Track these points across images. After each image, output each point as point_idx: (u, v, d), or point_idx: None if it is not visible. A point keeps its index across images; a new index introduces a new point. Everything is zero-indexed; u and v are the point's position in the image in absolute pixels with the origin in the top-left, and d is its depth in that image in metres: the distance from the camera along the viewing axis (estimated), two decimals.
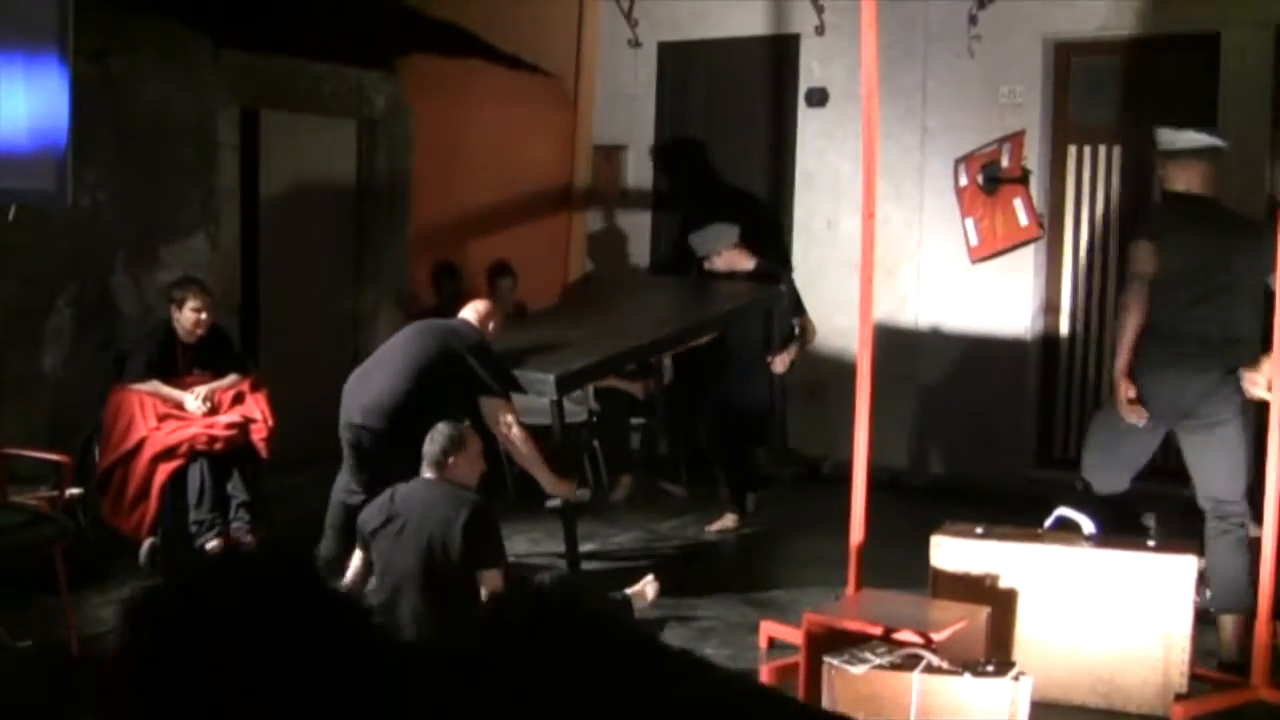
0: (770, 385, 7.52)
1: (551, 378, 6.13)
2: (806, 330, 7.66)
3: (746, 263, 7.58)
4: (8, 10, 5.99)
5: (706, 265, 7.60)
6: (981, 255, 8.60)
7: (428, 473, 5.19)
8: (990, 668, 4.16)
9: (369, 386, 6.05)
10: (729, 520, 7.52)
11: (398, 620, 5.05)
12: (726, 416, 7.47)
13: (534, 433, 8.17)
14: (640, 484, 8.22)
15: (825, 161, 9.13)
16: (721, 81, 9.70)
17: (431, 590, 4.98)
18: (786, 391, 7.88)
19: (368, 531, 5.21)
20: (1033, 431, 8.59)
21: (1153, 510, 7.02)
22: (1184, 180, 5.41)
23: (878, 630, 4.42)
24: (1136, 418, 5.31)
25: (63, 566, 5.17)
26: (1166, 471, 8.13)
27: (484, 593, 4.98)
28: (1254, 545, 5.30)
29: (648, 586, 5.87)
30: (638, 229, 10.04)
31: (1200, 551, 5.16)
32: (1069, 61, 8.45)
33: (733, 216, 8.02)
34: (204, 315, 6.55)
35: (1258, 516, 5.97)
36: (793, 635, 5.12)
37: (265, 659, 1.56)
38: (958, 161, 8.64)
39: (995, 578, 4.96)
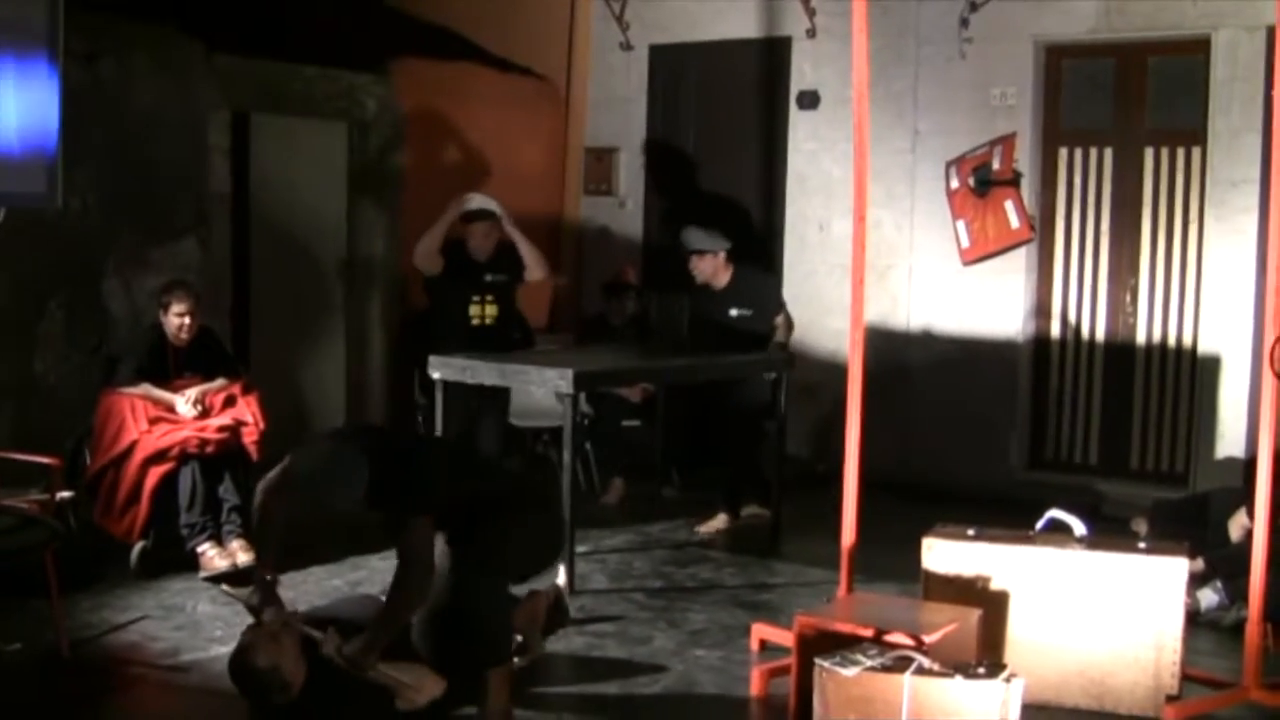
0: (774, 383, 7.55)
1: (570, 372, 6.18)
2: (780, 329, 7.73)
3: (724, 276, 7.63)
4: None
5: (690, 265, 7.64)
6: (973, 258, 8.61)
7: None
8: (982, 670, 4.16)
9: None
10: (720, 521, 7.54)
11: None
12: (734, 410, 7.54)
13: (544, 433, 8.27)
14: (632, 487, 8.22)
15: (817, 164, 9.14)
16: (713, 84, 9.70)
17: None
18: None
19: None
20: (1024, 434, 8.60)
21: (1142, 514, 7.06)
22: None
23: (869, 632, 4.42)
24: None
25: (53, 570, 5.15)
26: (1158, 475, 8.19)
27: None
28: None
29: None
30: (629, 232, 10.04)
31: (1192, 555, 5.17)
32: (1060, 64, 8.46)
33: (724, 219, 8.05)
34: (188, 319, 6.52)
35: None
36: (784, 637, 5.12)
37: None
38: (949, 164, 8.65)
39: (987, 580, 4.96)
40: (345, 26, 8.50)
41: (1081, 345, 8.49)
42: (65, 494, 5.93)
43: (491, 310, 7.63)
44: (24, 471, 5.89)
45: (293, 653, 4.43)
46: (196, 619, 5.69)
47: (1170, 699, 4.77)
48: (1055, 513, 5.10)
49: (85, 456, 6.44)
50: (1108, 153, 8.33)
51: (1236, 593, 5.64)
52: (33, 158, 6.09)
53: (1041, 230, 8.49)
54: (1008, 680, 4.11)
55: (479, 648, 4.59)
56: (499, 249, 7.65)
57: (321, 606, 5.15)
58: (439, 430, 6.68)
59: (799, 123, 9.24)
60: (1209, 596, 5.86)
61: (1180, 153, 8.09)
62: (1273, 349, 4.75)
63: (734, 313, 7.58)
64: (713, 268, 7.59)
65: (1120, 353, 8.35)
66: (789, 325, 7.77)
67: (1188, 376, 8.09)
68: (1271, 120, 4.77)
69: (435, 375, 6.60)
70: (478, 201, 7.67)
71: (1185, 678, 4.86)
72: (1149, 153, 8.19)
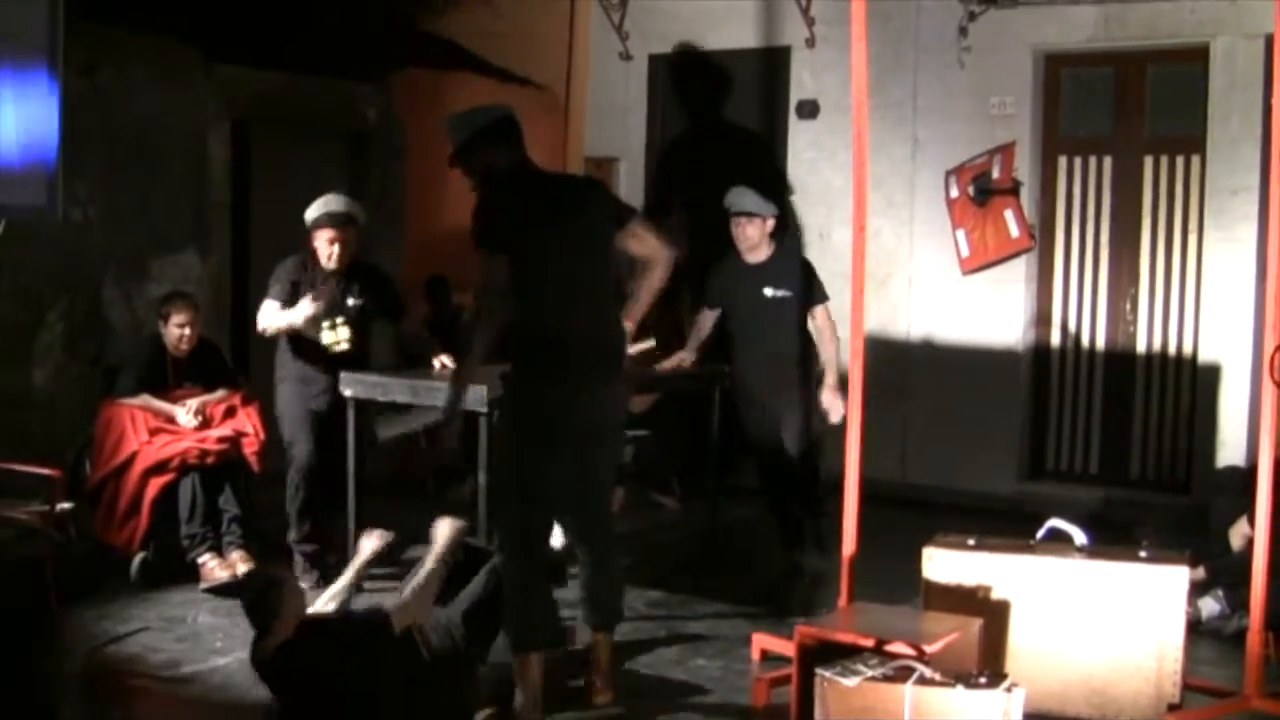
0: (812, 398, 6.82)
1: None
2: (824, 330, 6.80)
3: (764, 251, 6.86)
4: None
5: (735, 229, 6.85)
6: (973, 267, 8.62)
7: None
8: (983, 679, 4.15)
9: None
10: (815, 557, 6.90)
11: None
12: (791, 431, 6.77)
13: None
14: (632, 495, 8.21)
15: (816, 173, 9.14)
16: (713, 94, 9.71)
17: None
18: None
19: None
20: (1024, 443, 8.59)
21: (1145, 521, 7.06)
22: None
23: (870, 642, 4.41)
24: None
25: (54, 582, 5.15)
26: (1159, 484, 8.19)
27: None
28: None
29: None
30: None
31: (1193, 563, 5.16)
32: (1059, 73, 8.48)
33: (724, 226, 8.03)
34: (188, 330, 6.51)
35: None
36: (785, 647, 5.11)
37: None
38: (948, 173, 8.66)
39: (987, 589, 4.96)
40: (345, 37, 8.51)
41: (1082, 354, 8.49)
42: (65, 505, 5.93)
43: (345, 333, 6.37)
44: (24, 483, 5.89)
45: (294, 614, 4.48)
46: (197, 630, 5.68)
47: (1172, 708, 4.77)
48: (1056, 522, 5.10)
49: (85, 468, 6.44)
50: (1107, 161, 8.34)
51: (1238, 601, 5.64)
52: (33, 169, 6.09)
53: (1041, 239, 8.50)
54: (1009, 690, 4.11)
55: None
56: (356, 261, 6.51)
57: (328, 612, 5.12)
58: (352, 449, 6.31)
59: (799, 132, 9.24)
60: (1210, 605, 5.85)
61: (1179, 161, 8.10)
62: (1273, 357, 4.75)
63: (769, 292, 6.77)
64: (759, 235, 6.82)
65: (1120, 361, 8.35)
66: (833, 327, 6.74)
67: (1188, 385, 8.09)
68: (1270, 128, 4.78)
69: (348, 393, 6.19)
70: (327, 204, 6.37)
71: (1187, 687, 4.85)
72: (1148, 161, 8.20)
